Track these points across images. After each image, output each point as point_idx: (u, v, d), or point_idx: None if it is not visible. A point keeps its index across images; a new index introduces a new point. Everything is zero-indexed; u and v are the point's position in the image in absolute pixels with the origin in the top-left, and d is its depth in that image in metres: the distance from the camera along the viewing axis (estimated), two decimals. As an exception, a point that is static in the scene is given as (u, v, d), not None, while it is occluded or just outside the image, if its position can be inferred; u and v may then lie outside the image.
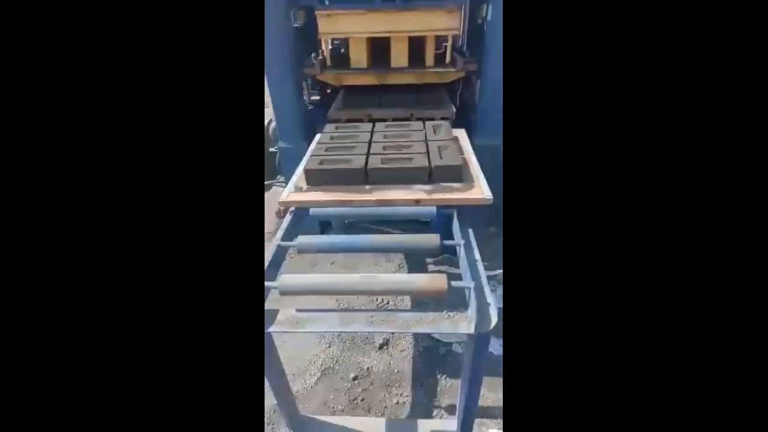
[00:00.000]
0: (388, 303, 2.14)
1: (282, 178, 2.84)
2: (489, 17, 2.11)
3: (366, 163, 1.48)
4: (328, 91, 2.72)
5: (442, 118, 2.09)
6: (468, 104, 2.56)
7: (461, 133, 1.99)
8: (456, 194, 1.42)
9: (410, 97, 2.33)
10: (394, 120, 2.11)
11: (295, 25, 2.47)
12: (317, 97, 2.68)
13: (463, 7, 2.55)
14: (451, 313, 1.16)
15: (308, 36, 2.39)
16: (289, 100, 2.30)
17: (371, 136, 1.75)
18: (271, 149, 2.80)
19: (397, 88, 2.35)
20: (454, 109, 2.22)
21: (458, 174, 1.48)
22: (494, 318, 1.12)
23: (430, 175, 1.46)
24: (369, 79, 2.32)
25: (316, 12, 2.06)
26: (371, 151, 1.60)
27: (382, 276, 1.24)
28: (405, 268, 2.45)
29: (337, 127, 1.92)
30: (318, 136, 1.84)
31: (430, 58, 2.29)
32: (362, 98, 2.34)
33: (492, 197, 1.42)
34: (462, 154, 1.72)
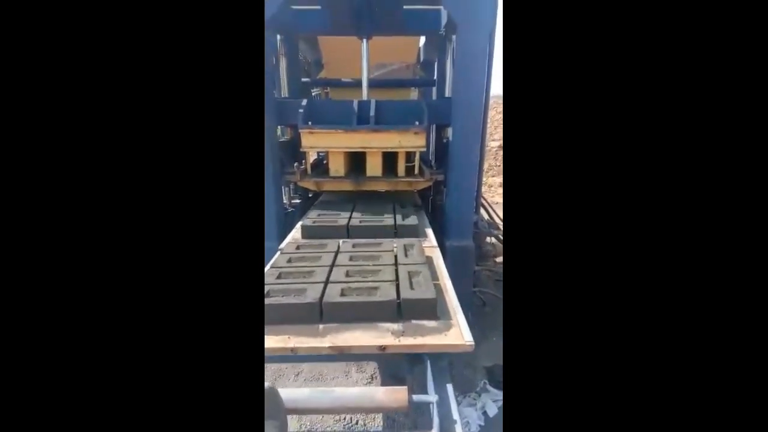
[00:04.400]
0: (357, 423, 1.89)
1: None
2: (451, 137, 2.42)
3: (322, 295, 1.23)
4: (310, 195, 2.90)
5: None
6: (438, 208, 2.74)
7: (435, 253, 1.80)
8: (430, 338, 1.14)
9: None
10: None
11: (282, 140, 2.78)
12: (298, 201, 2.84)
13: (429, 127, 2.96)
14: (414, 434, 1.02)
15: (294, 148, 2.67)
16: (269, 206, 2.43)
17: (335, 258, 1.54)
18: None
19: (373, 199, 2.51)
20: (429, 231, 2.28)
21: (432, 309, 1.23)
22: (461, 437, 0.99)
23: (399, 310, 1.22)
24: (346, 186, 2.51)
25: (300, 129, 2.34)
26: (331, 277, 1.36)
27: (338, 390, 1.12)
28: (378, 380, 2.24)
29: (298, 247, 1.72)
30: (275, 257, 1.61)
31: (401, 169, 2.54)
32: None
33: (473, 342, 1.13)
34: (436, 280, 1.48)
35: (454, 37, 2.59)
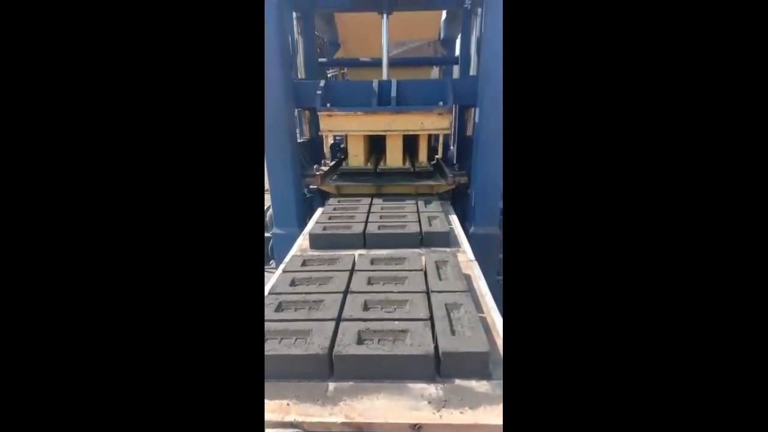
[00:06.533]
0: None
1: (273, 264, 2.78)
2: (477, 119, 2.30)
3: (332, 343, 0.95)
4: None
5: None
6: (461, 193, 2.65)
7: (473, 270, 1.46)
8: (483, 411, 0.84)
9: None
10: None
11: (300, 140, 2.74)
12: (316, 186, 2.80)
13: (454, 108, 2.84)
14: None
15: (314, 148, 2.70)
16: (288, 192, 2.40)
17: (349, 281, 1.23)
18: (266, 234, 2.81)
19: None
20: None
21: (484, 365, 0.92)
22: None
23: (438, 363, 0.92)
24: (367, 190, 2.38)
25: (319, 112, 2.26)
26: (345, 311, 1.07)
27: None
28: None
29: (304, 262, 1.40)
30: (276, 277, 1.33)
31: (423, 154, 2.45)
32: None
33: None
34: (480, 312, 1.15)
35: (480, 10, 2.43)
